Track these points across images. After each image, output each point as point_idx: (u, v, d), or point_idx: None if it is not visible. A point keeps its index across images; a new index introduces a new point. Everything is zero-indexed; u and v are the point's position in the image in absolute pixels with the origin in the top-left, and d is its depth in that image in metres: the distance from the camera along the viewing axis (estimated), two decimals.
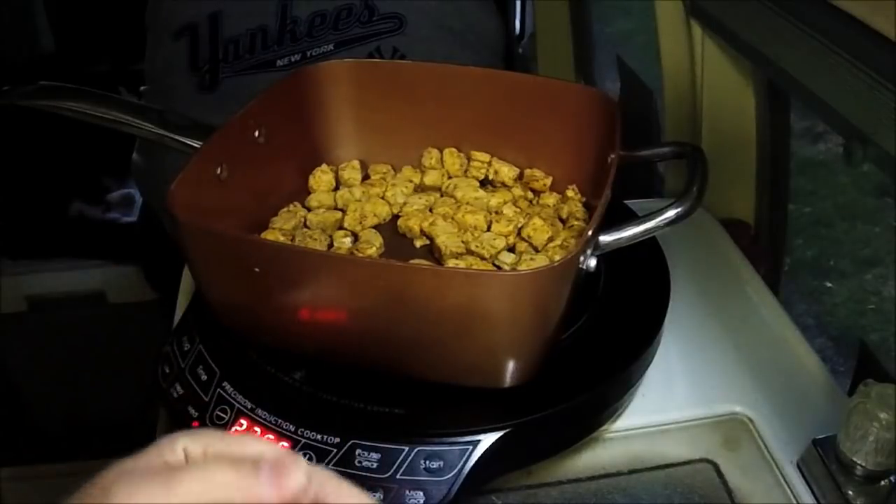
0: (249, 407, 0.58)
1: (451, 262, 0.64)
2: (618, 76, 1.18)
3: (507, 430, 0.55)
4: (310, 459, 0.54)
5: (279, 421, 0.56)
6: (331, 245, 0.67)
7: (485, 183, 0.75)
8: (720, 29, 0.81)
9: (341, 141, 0.76)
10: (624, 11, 2.98)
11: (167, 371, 0.63)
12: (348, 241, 0.68)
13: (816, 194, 2.41)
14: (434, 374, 0.57)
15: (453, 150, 0.76)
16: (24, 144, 1.47)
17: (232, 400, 0.58)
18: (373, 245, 0.66)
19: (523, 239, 0.67)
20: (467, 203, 0.71)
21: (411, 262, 0.62)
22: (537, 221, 0.67)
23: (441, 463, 0.54)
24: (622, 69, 1.16)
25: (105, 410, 1.38)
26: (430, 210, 0.71)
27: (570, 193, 0.72)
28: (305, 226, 0.70)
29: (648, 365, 0.65)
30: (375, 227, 0.70)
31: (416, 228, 0.68)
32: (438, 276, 0.53)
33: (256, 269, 0.55)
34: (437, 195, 0.73)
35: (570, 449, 0.62)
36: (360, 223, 0.69)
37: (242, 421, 0.57)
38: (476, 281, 0.53)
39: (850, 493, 0.57)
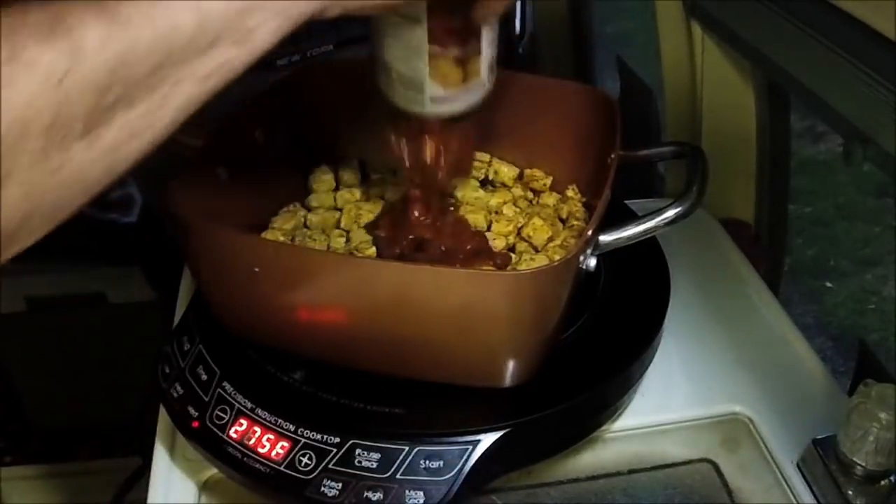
0: (249, 407, 0.58)
1: None
2: (618, 76, 1.18)
3: (507, 430, 0.55)
4: (310, 460, 0.55)
5: (279, 421, 0.56)
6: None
7: (485, 183, 0.75)
8: (720, 29, 0.81)
9: (341, 141, 0.76)
10: (624, 11, 2.97)
11: (167, 371, 0.63)
12: (342, 240, 0.67)
13: (816, 194, 2.41)
14: (434, 374, 0.57)
15: None
16: None
17: (232, 400, 0.58)
18: (372, 245, 0.66)
19: (523, 239, 0.67)
20: (467, 203, 0.71)
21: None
22: (537, 221, 0.67)
23: (441, 463, 0.54)
24: (622, 69, 1.16)
25: (105, 410, 1.38)
26: None
27: (570, 193, 0.72)
28: (305, 226, 0.70)
29: (648, 365, 0.65)
30: None
31: None
32: (438, 276, 0.53)
33: (256, 269, 0.55)
34: None
35: (570, 449, 0.62)
36: (356, 222, 0.69)
37: (242, 421, 0.57)
38: (476, 281, 0.53)
39: (850, 493, 0.58)
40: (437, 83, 0.54)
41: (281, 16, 0.39)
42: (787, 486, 0.62)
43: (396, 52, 0.54)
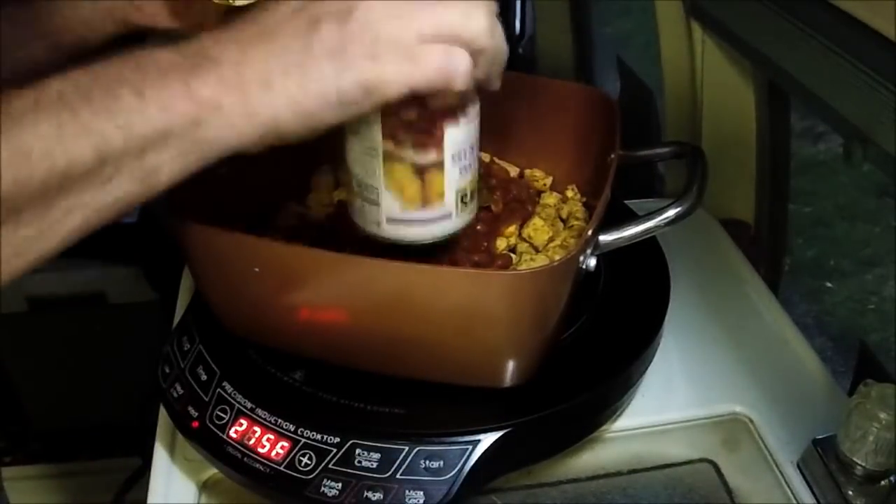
0: (249, 407, 0.58)
1: None
2: (618, 76, 1.18)
3: (507, 430, 0.55)
4: (310, 460, 0.55)
5: (279, 421, 0.56)
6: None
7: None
8: (720, 29, 0.81)
9: (342, 141, 0.76)
10: (624, 11, 2.97)
11: (167, 371, 0.63)
12: None
13: (816, 194, 2.41)
14: (434, 374, 0.57)
15: None
16: None
17: (232, 400, 0.58)
18: None
19: (523, 239, 0.67)
20: None
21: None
22: (537, 221, 0.67)
23: (441, 463, 0.54)
24: (622, 69, 1.16)
25: (105, 410, 1.38)
26: None
27: (570, 193, 0.72)
28: (305, 226, 0.70)
29: (648, 365, 0.65)
30: None
31: None
32: (438, 276, 0.53)
33: (256, 269, 0.55)
34: None
35: (570, 449, 0.62)
36: None
37: (242, 421, 0.57)
38: (476, 281, 0.53)
39: (850, 493, 0.58)
40: (392, 193, 0.50)
41: (187, 156, 0.38)
42: (787, 486, 0.62)
43: (354, 153, 0.51)
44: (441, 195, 0.50)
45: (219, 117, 0.38)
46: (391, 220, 0.51)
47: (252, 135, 0.40)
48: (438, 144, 0.49)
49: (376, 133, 0.48)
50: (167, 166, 0.38)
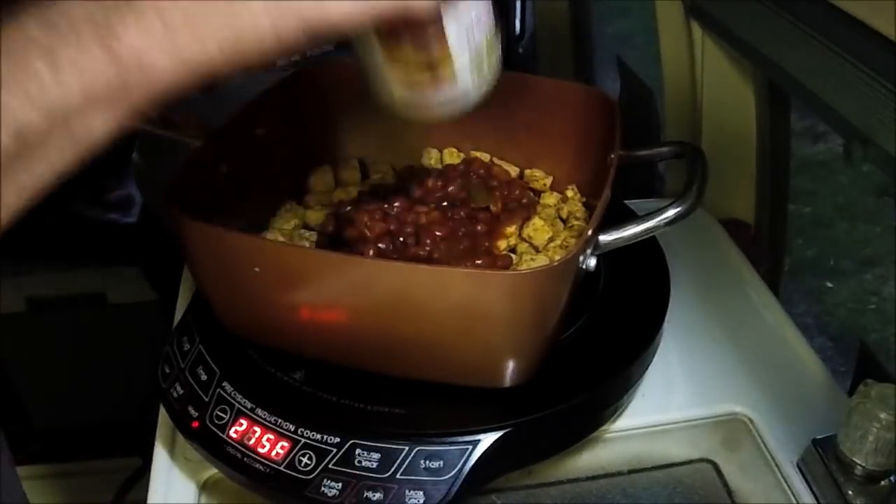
0: (249, 407, 0.58)
1: None
2: (618, 76, 1.18)
3: (507, 430, 0.55)
4: (310, 460, 0.55)
5: (279, 421, 0.56)
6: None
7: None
8: (720, 29, 0.81)
9: (341, 141, 0.76)
10: (624, 11, 2.97)
11: (167, 371, 0.63)
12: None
13: (816, 194, 2.41)
14: (434, 374, 0.57)
15: (453, 149, 0.76)
16: None
17: (232, 400, 0.58)
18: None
19: (523, 239, 0.67)
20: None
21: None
22: (537, 221, 0.67)
23: (441, 463, 0.54)
24: (622, 69, 1.16)
25: (105, 410, 1.38)
26: None
27: (570, 193, 0.72)
28: (305, 226, 0.70)
29: (648, 365, 0.65)
30: None
31: None
32: (438, 276, 0.53)
33: (256, 269, 0.55)
34: None
35: (570, 449, 0.62)
36: None
37: (242, 421, 0.57)
38: (476, 281, 0.53)
39: (850, 493, 0.58)
40: (403, 87, 0.49)
41: (119, 112, 0.35)
42: (787, 486, 0.62)
43: (358, 47, 0.49)
44: (454, 78, 0.49)
45: (144, 71, 0.35)
46: (406, 106, 0.50)
47: (183, 80, 0.36)
48: (439, 39, 0.46)
49: (373, 39, 0.47)
50: (99, 127, 0.35)
